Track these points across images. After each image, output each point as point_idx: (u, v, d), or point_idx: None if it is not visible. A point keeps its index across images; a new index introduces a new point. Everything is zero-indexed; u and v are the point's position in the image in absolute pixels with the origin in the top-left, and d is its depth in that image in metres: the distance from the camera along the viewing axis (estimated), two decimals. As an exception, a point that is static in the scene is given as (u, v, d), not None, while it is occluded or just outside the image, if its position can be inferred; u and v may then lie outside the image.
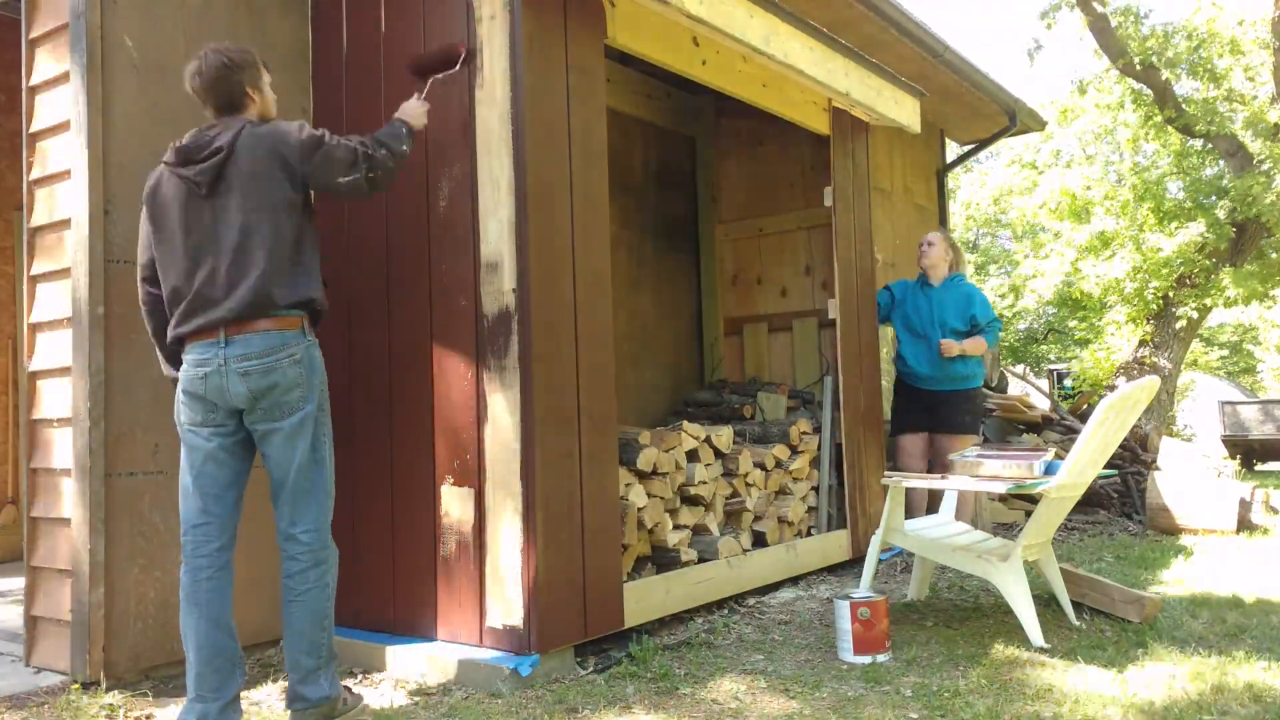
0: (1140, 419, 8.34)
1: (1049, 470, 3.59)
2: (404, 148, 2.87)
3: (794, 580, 4.53)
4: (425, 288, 3.36)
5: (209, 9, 3.48)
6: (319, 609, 2.66)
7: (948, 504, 4.25)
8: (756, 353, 5.59)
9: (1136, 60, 10.33)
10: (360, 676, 3.21)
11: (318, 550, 2.68)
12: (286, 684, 2.71)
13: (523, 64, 3.14)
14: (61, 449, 3.20)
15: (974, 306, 5.10)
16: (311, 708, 2.64)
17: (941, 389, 5.13)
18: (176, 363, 2.73)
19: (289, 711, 2.68)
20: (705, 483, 4.10)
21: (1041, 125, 10.48)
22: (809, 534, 4.73)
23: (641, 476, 3.77)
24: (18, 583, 3.57)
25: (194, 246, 2.63)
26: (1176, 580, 4.51)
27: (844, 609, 3.20)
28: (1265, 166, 9.73)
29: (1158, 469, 6.69)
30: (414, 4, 3.45)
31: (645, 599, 3.57)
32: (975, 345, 5.02)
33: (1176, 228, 10.42)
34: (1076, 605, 3.73)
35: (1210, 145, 11.05)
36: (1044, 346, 21.36)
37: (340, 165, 2.70)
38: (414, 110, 3.02)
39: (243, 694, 3.03)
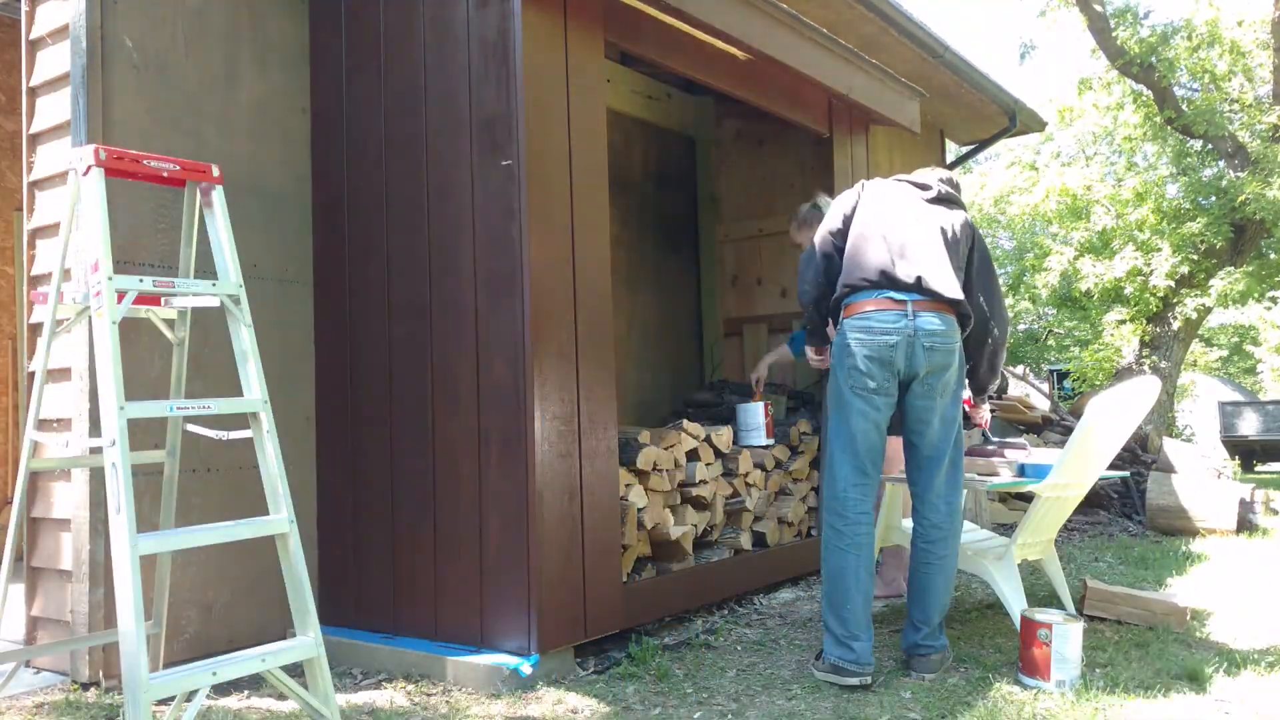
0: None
1: (1022, 471, 3.53)
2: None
3: (794, 580, 4.53)
4: (425, 294, 3.36)
5: (208, 9, 3.48)
6: (952, 572, 3.13)
7: None
8: (756, 353, 5.58)
9: (1136, 61, 10.33)
10: (360, 676, 3.21)
11: (958, 518, 3.14)
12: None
13: (522, 64, 3.14)
14: (61, 450, 3.19)
15: None
16: (935, 654, 3.08)
17: None
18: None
19: (913, 659, 3.09)
20: (705, 482, 4.10)
21: (1041, 126, 10.47)
22: (809, 535, 4.73)
23: (641, 476, 3.77)
24: (17, 583, 3.57)
25: None
26: (1177, 581, 4.51)
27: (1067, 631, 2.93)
28: (1264, 167, 9.72)
29: (1174, 471, 6.68)
30: (413, 3, 3.45)
31: (645, 599, 3.56)
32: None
33: (1174, 230, 10.41)
34: (1097, 618, 3.68)
35: (1210, 146, 11.05)
36: (1045, 344, 21.35)
37: None
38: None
39: (242, 695, 3.03)
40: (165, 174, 2.55)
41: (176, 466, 2.89)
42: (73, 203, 2.54)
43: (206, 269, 3.33)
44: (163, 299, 2.75)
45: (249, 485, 3.44)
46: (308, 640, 2.38)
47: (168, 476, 2.89)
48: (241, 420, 2.52)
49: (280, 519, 2.43)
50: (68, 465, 3.00)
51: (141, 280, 2.37)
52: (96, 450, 2.88)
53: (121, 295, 2.32)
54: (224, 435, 2.72)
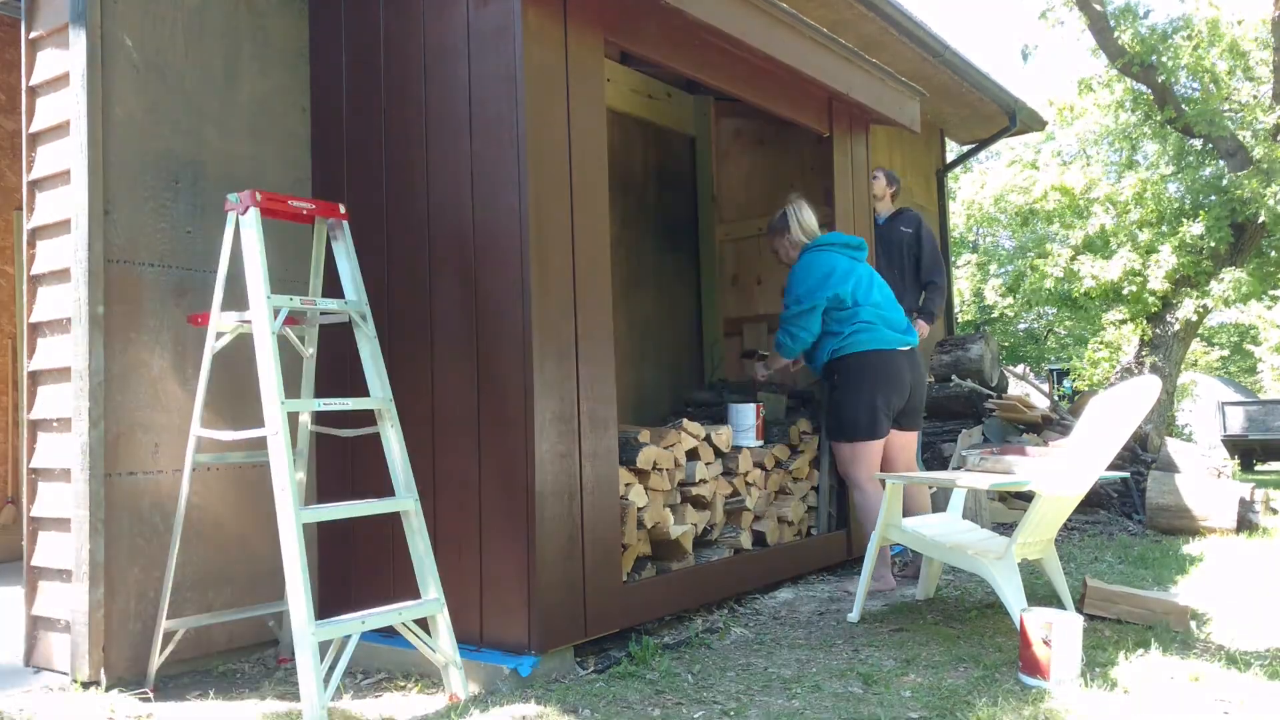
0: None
1: None
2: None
3: (794, 580, 4.53)
4: (425, 294, 3.36)
5: (208, 9, 3.48)
6: None
7: (955, 503, 4.24)
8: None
9: (1136, 60, 10.34)
10: (361, 676, 3.21)
11: None
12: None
13: (522, 65, 3.14)
14: (61, 449, 3.19)
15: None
16: None
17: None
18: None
19: None
20: (705, 481, 4.10)
21: (1042, 125, 10.48)
22: (809, 534, 4.73)
23: (641, 475, 3.77)
24: (17, 583, 3.58)
25: None
26: (1177, 580, 4.51)
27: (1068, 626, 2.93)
28: (1265, 166, 9.73)
29: (1174, 470, 6.68)
30: (414, 2, 3.45)
31: (645, 598, 3.56)
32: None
33: (1171, 232, 10.42)
34: (1097, 618, 3.67)
35: (1210, 145, 11.05)
36: (1045, 344, 21.34)
37: None
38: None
39: (241, 695, 3.04)
40: (305, 212, 3.12)
41: (304, 466, 3.35)
42: (230, 238, 3.01)
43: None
44: (306, 315, 3.24)
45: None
46: (433, 598, 2.95)
47: (299, 477, 3.23)
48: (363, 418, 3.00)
49: (407, 499, 2.98)
50: (226, 459, 3.33)
51: (291, 299, 2.93)
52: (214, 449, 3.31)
53: (276, 312, 2.85)
54: (351, 434, 3.25)
